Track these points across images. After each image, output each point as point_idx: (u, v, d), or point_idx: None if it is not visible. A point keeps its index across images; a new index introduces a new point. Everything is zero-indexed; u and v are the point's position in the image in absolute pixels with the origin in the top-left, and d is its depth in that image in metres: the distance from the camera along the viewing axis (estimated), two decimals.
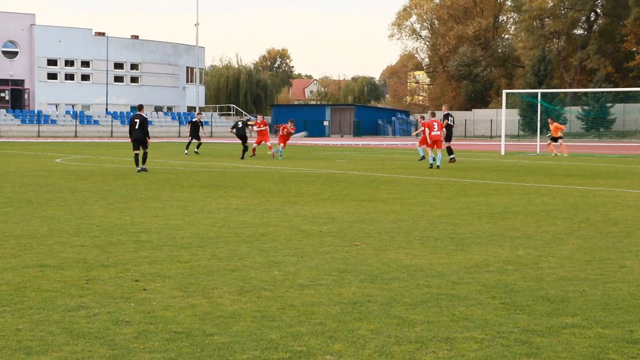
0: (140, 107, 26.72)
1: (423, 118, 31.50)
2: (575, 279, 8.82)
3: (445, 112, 33.93)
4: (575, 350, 6.13)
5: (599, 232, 12.45)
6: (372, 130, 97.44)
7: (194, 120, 41.55)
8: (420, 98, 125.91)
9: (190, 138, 40.91)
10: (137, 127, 25.62)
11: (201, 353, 5.99)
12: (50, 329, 6.60)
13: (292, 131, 37.62)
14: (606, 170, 29.00)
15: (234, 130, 37.77)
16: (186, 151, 39.88)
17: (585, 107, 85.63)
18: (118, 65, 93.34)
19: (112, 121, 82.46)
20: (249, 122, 38.71)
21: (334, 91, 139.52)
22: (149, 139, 26.02)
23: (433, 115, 31.88)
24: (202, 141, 41.49)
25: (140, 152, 25.72)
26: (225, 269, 9.19)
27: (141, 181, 21.79)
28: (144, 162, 25.70)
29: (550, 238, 11.82)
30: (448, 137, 32.69)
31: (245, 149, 35.97)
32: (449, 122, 32.80)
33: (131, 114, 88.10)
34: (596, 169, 30.18)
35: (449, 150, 33.03)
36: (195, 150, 40.13)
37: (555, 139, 41.07)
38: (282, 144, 36.45)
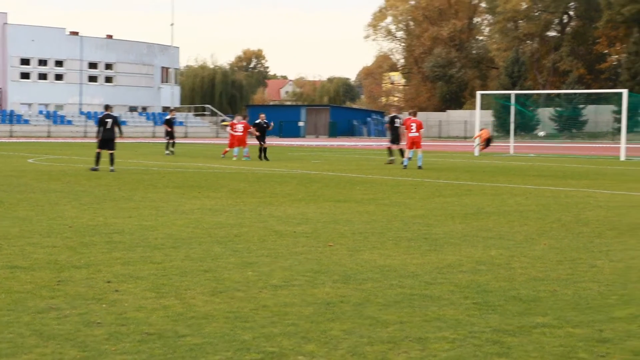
0: (108, 107, 26.59)
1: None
2: (546, 278, 8.88)
3: (393, 115, 33.87)
4: (546, 349, 6.17)
5: (571, 233, 12.53)
6: (347, 130, 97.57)
7: (167, 117, 41.38)
8: (396, 99, 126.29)
9: (167, 138, 40.53)
10: (108, 126, 25.56)
11: (173, 354, 5.96)
12: (20, 330, 6.55)
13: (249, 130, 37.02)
14: (578, 171, 29.22)
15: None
16: (171, 150, 39.54)
17: (558, 109, 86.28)
18: (92, 65, 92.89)
19: (86, 121, 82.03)
20: (223, 123, 38.51)
21: (310, 92, 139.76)
22: (122, 134, 26.02)
23: (414, 114, 31.71)
24: (170, 140, 40.27)
25: (105, 152, 25.65)
26: (198, 270, 9.16)
27: (114, 182, 21.69)
28: (112, 163, 25.58)
29: (523, 238, 11.89)
30: (396, 140, 32.54)
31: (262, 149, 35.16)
32: (396, 124, 32.74)
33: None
34: (568, 169, 30.40)
35: (391, 152, 32.80)
36: (167, 151, 39.64)
37: (487, 144, 42.24)
38: (241, 145, 36.29)
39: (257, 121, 36.30)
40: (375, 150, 51.02)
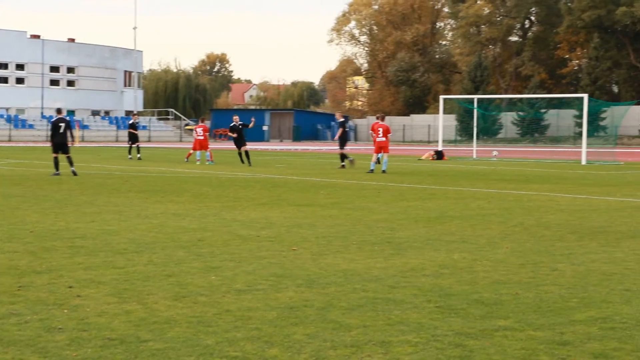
0: (60, 111, 26.49)
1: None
2: (508, 282, 8.95)
3: (341, 120, 33.62)
4: (508, 352, 6.22)
5: (533, 236, 12.64)
6: (312, 135, 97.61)
7: (130, 122, 41.03)
8: (359, 103, 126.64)
9: (130, 142, 40.07)
10: (62, 130, 25.50)
11: (135, 359, 5.93)
12: None
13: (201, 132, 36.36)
14: (540, 175, 29.48)
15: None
16: (137, 156, 39.06)
17: (520, 113, 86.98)
18: (54, 69, 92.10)
19: (47, 125, 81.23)
20: (187, 127, 38.25)
21: (274, 96, 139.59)
22: (73, 141, 25.95)
23: (382, 119, 31.72)
24: (134, 145, 39.56)
25: (61, 156, 25.57)
26: (161, 275, 9.12)
27: (77, 186, 21.52)
28: (72, 164, 25.46)
29: (485, 242, 11.97)
30: (343, 144, 32.70)
31: (244, 154, 34.16)
32: (345, 129, 32.92)
33: (67, 118, 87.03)
34: (530, 173, 30.65)
35: (343, 157, 32.80)
36: (130, 155, 39.14)
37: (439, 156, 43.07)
38: (203, 149, 36.04)
39: (232, 124, 35.38)
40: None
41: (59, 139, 25.49)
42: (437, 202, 18.10)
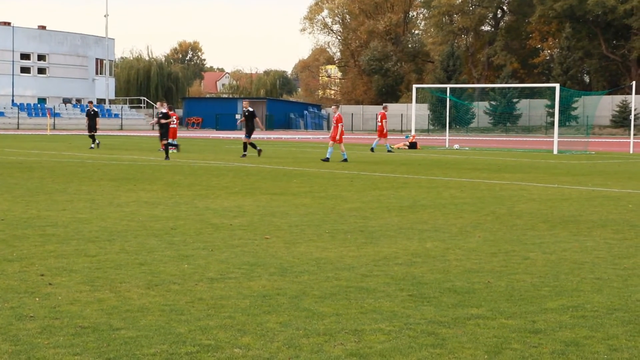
0: None
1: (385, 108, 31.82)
2: (480, 270, 8.99)
3: (250, 109, 32.21)
4: (480, 340, 6.25)
5: (504, 225, 12.71)
6: (284, 123, 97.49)
7: (86, 109, 40.41)
8: (332, 92, 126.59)
9: (89, 131, 39.01)
10: None
11: (107, 348, 5.90)
12: None
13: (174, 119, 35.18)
14: (512, 164, 29.64)
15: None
16: (92, 145, 38.16)
17: (492, 103, 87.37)
18: (24, 56, 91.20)
19: (18, 113, 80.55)
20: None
21: (246, 85, 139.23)
22: None
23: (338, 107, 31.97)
24: (93, 133, 38.26)
25: None
26: (133, 263, 9.08)
27: (48, 174, 21.36)
28: None
29: (458, 231, 12.02)
30: (250, 132, 32.26)
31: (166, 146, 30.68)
32: (254, 118, 32.46)
33: (38, 105, 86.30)
34: (502, 163, 30.81)
35: (246, 146, 32.24)
36: (92, 145, 37.94)
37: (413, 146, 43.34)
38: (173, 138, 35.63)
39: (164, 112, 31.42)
40: (312, 144, 51.06)
41: None
42: (410, 191, 18.15)
